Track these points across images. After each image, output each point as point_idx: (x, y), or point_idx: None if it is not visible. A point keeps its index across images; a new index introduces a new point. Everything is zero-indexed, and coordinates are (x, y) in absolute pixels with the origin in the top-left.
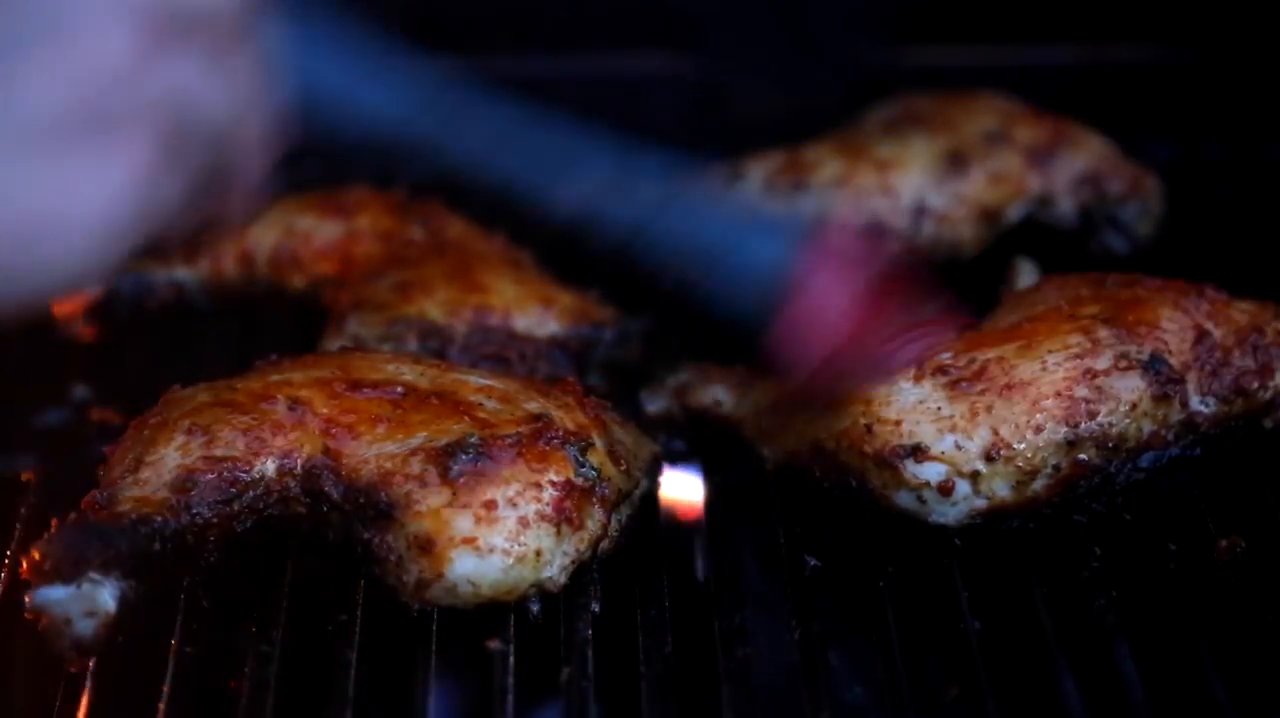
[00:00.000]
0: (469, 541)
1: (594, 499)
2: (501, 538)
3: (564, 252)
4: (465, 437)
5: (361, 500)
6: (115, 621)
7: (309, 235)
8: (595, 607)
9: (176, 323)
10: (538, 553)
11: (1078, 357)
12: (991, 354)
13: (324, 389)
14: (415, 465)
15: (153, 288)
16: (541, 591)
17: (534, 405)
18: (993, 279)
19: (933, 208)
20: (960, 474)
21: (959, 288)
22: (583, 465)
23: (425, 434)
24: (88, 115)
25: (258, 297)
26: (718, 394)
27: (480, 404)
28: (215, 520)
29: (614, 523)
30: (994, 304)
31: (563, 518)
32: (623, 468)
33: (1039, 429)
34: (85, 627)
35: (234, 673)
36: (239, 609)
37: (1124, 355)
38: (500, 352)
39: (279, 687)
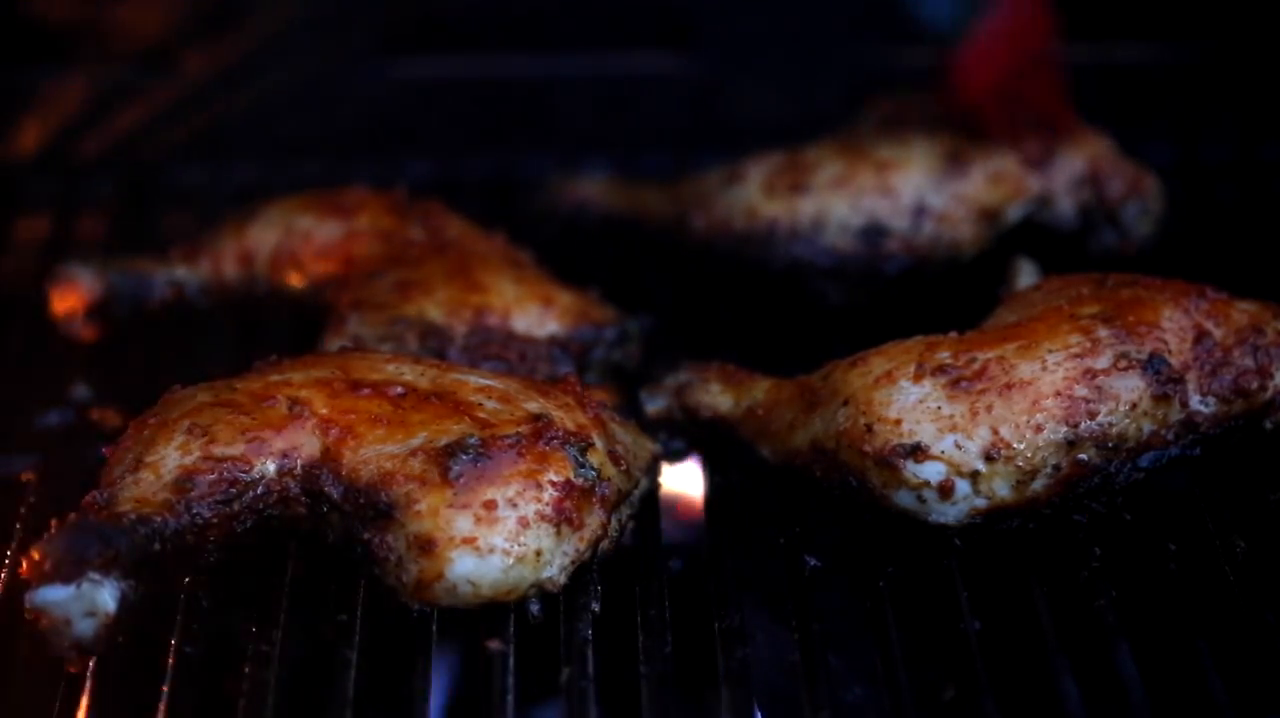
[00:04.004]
0: (469, 540)
1: (594, 499)
2: (501, 538)
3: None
4: (465, 437)
5: (361, 501)
6: (115, 621)
7: (309, 235)
8: (595, 607)
9: (176, 323)
10: (538, 553)
11: (1078, 356)
12: (991, 354)
13: (324, 389)
14: (415, 465)
15: (153, 288)
16: (541, 591)
17: (534, 405)
18: (993, 279)
19: (933, 208)
20: (960, 474)
21: (959, 288)
22: (582, 466)
23: (425, 434)
24: None
25: (258, 297)
26: (716, 394)
27: (480, 404)
28: (215, 520)
29: (614, 523)
30: (994, 304)
31: (563, 518)
32: (623, 468)
33: (1039, 429)
34: (85, 627)
35: (234, 673)
36: (239, 609)
37: (1124, 355)
38: (500, 352)
39: (279, 687)
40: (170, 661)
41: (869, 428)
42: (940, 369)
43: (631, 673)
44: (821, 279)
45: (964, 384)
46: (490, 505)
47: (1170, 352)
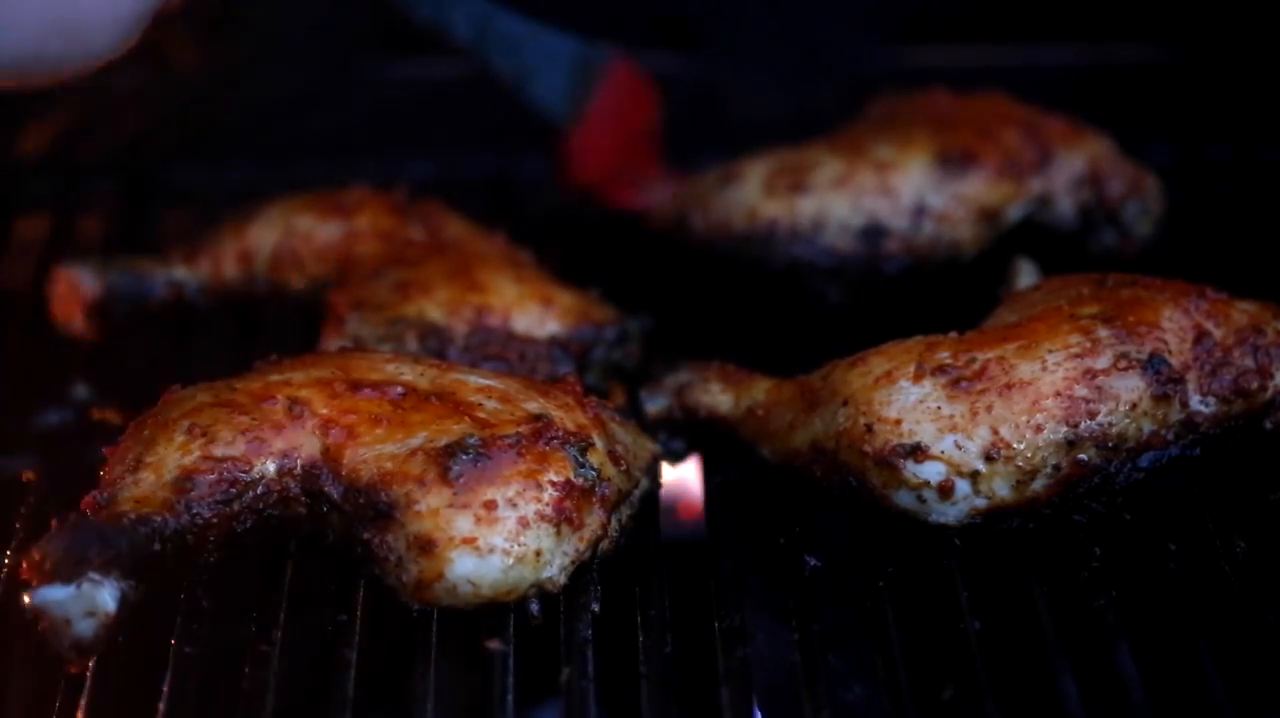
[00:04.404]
0: (469, 541)
1: (594, 499)
2: (501, 538)
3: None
4: (465, 437)
5: (361, 501)
6: (115, 621)
7: (309, 235)
8: (595, 607)
9: (176, 323)
10: (538, 553)
11: (1078, 356)
12: (991, 354)
13: (324, 389)
14: (415, 466)
15: (153, 288)
16: (541, 591)
17: (534, 405)
18: (993, 279)
19: (933, 208)
20: (960, 474)
21: (959, 288)
22: (582, 466)
23: (425, 434)
24: None
25: (258, 297)
26: (716, 394)
27: (480, 404)
28: (215, 521)
29: (614, 523)
30: (994, 304)
31: (563, 518)
32: (623, 468)
33: (1039, 429)
34: (85, 627)
35: (234, 673)
36: (239, 609)
37: (1124, 355)
38: (500, 352)
39: (279, 687)
40: (170, 661)
41: (869, 428)
42: (940, 369)
43: (631, 673)
44: (821, 279)
45: (964, 384)
46: (490, 506)
47: (1170, 352)
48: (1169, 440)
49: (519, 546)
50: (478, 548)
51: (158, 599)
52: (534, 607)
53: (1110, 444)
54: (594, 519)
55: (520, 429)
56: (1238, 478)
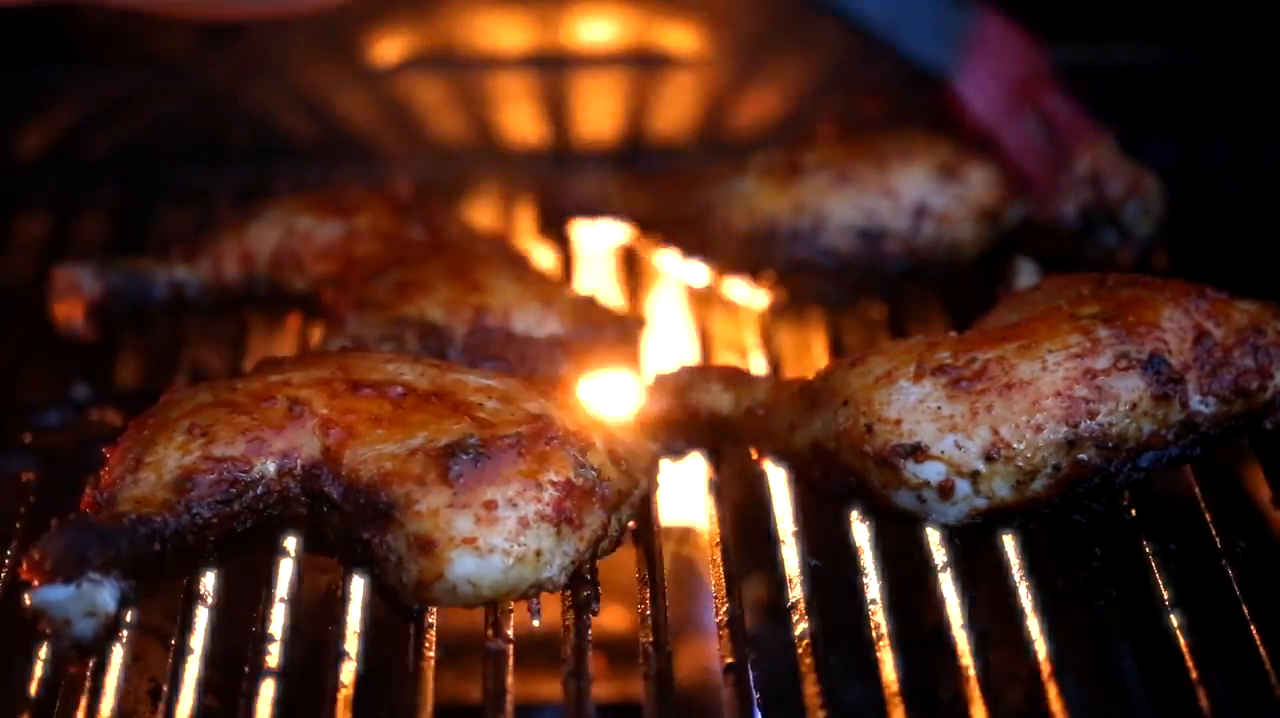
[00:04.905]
0: (469, 541)
1: (594, 499)
2: (501, 538)
3: None
4: (465, 437)
5: (361, 501)
6: (115, 621)
7: (309, 235)
8: (595, 607)
9: (176, 323)
10: (538, 553)
11: (1078, 356)
12: (992, 354)
13: (324, 389)
14: (415, 466)
15: (153, 288)
16: (541, 591)
17: (534, 406)
18: (993, 279)
19: (933, 208)
20: (960, 474)
21: (959, 288)
22: (582, 466)
23: (425, 434)
24: None
25: (258, 297)
26: (717, 394)
27: (480, 404)
28: (215, 521)
29: (614, 523)
30: (994, 304)
31: (563, 518)
32: (623, 468)
33: (1039, 429)
34: (85, 627)
35: (234, 673)
36: (239, 609)
37: (1124, 355)
38: (500, 352)
39: (279, 687)
40: (170, 661)
41: (869, 428)
42: (940, 369)
43: (631, 673)
44: (821, 279)
45: (964, 384)
46: (490, 506)
47: (1170, 352)
48: (1169, 440)
49: (519, 546)
50: (478, 548)
51: (158, 599)
52: (534, 607)
53: (1110, 444)
54: (594, 519)
55: (520, 429)
56: (1238, 478)
